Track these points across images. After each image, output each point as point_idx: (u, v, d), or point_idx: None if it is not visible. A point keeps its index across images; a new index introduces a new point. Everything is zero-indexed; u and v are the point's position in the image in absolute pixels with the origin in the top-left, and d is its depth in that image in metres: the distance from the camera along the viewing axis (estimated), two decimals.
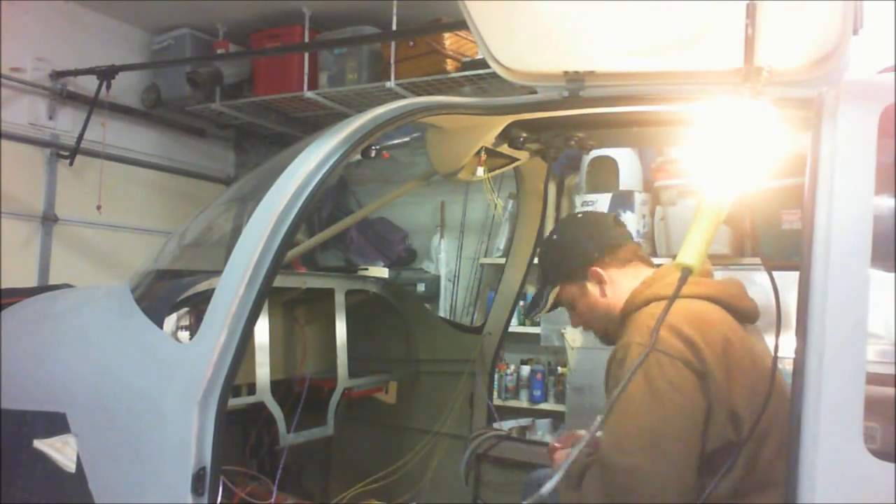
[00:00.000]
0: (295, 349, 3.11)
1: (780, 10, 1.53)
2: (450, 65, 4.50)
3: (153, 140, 5.57)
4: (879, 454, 1.36)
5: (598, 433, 1.58)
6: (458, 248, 5.58)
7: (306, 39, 4.92)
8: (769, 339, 1.87)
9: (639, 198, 4.21)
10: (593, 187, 4.39)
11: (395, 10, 4.51)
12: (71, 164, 4.90)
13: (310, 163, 1.84)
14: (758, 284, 2.31)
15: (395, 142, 3.80)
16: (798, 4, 1.52)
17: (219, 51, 5.19)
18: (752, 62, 1.57)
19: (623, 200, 4.19)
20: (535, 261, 2.24)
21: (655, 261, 3.75)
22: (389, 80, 4.64)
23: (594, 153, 3.92)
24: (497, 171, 2.68)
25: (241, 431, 2.98)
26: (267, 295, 1.76)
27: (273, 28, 5.09)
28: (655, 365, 1.65)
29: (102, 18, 5.19)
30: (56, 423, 1.97)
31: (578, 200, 4.31)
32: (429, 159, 2.56)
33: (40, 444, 2.00)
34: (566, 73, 1.89)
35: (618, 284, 1.99)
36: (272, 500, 2.50)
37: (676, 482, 1.62)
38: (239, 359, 1.71)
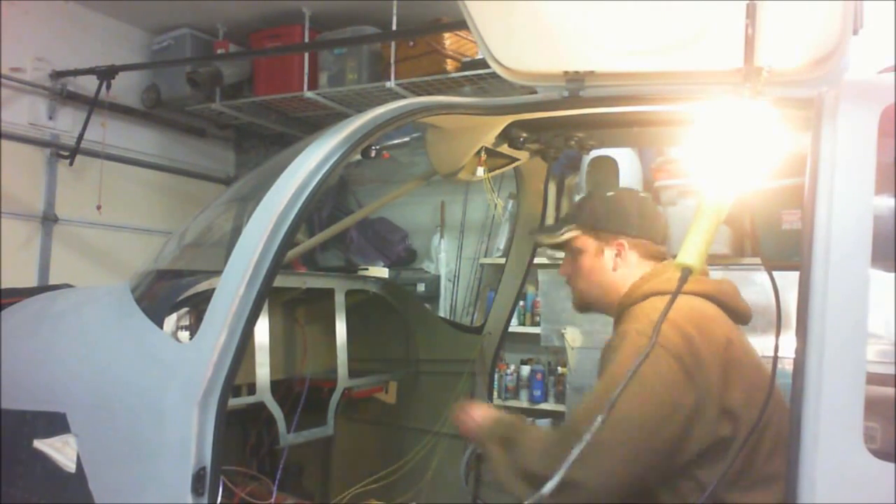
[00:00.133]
0: (295, 349, 3.10)
1: (780, 10, 1.53)
2: (450, 65, 4.50)
3: (153, 140, 5.58)
4: (879, 454, 1.36)
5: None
6: (458, 248, 5.58)
7: (306, 39, 4.92)
8: (760, 340, 1.89)
9: None
10: (593, 187, 4.38)
11: (395, 10, 4.51)
12: (71, 164, 4.91)
13: (310, 163, 1.84)
14: (758, 284, 2.32)
15: (395, 142, 3.80)
16: (798, 4, 1.52)
17: (219, 51, 5.19)
18: (752, 62, 1.57)
19: None
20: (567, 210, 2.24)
21: None
22: (389, 80, 4.64)
23: (594, 153, 3.92)
24: (497, 171, 2.68)
25: (241, 431, 2.98)
26: (267, 295, 1.76)
27: (273, 28, 5.09)
28: (650, 355, 1.66)
29: (102, 18, 5.19)
30: (56, 423, 1.97)
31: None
32: (429, 159, 2.56)
33: (40, 444, 2.00)
34: (566, 73, 1.89)
35: (629, 269, 2.00)
36: (272, 500, 2.50)
37: (630, 465, 1.62)
38: (239, 359, 1.71)
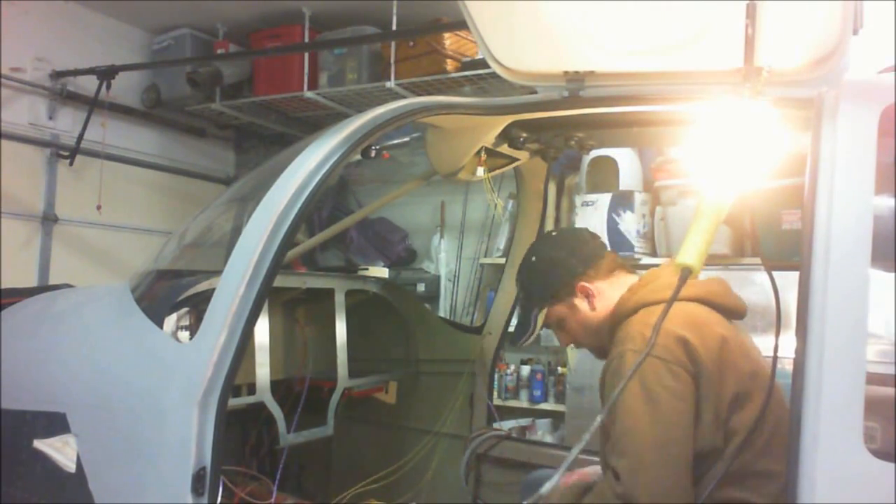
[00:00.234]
0: (295, 349, 3.11)
1: (780, 10, 1.53)
2: (450, 65, 4.50)
3: (153, 140, 5.57)
4: (879, 454, 1.36)
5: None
6: (458, 248, 5.58)
7: (306, 39, 4.92)
8: (760, 340, 1.88)
9: (639, 198, 4.21)
10: (593, 187, 4.39)
11: (395, 10, 4.51)
12: (71, 164, 4.91)
13: (310, 163, 1.84)
14: (758, 284, 2.32)
15: (395, 142, 3.80)
16: (798, 4, 1.52)
17: (219, 51, 5.19)
18: (752, 62, 1.57)
19: (623, 200, 4.19)
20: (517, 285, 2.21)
21: (655, 261, 3.74)
22: (389, 80, 4.64)
23: (594, 153, 3.92)
24: (497, 171, 2.68)
25: (241, 431, 2.98)
26: (267, 295, 1.76)
27: (273, 28, 5.09)
28: (651, 372, 1.65)
29: (102, 18, 5.19)
30: (56, 423, 1.97)
31: (578, 200, 4.31)
32: (429, 159, 2.56)
33: (40, 444, 2.00)
34: (566, 73, 1.89)
35: (606, 295, 1.98)
36: (272, 500, 2.50)
37: (678, 487, 1.62)
38: (239, 359, 1.71)
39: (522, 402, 5.01)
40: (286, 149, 2.39)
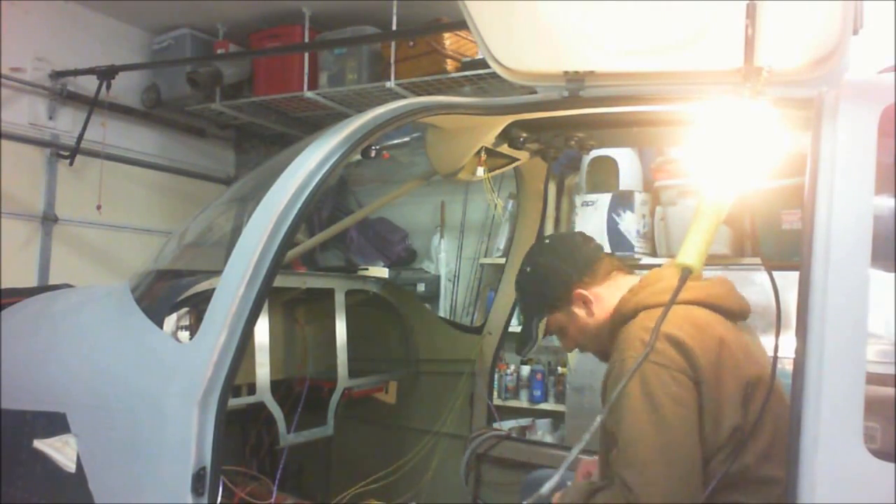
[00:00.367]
0: (295, 349, 3.11)
1: (780, 10, 1.53)
2: (450, 65, 4.50)
3: (153, 140, 5.57)
4: (879, 454, 1.36)
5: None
6: (458, 248, 5.58)
7: (306, 39, 4.92)
8: (765, 338, 1.86)
9: (639, 198, 4.21)
10: (593, 187, 4.39)
11: (395, 10, 4.51)
12: (71, 164, 4.90)
13: (310, 163, 1.84)
14: (758, 284, 2.31)
15: (395, 142, 3.81)
16: (798, 4, 1.52)
17: (219, 51, 5.19)
18: (752, 62, 1.57)
19: (623, 200, 4.18)
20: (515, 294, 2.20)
21: (655, 261, 3.73)
22: (389, 80, 4.64)
23: (594, 153, 3.92)
24: (497, 171, 2.68)
25: (241, 431, 2.99)
26: (267, 295, 1.76)
27: (273, 28, 5.08)
28: (654, 379, 1.64)
29: (102, 18, 5.19)
30: (56, 423, 1.97)
31: (578, 200, 4.31)
32: (429, 159, 2.56)
33: (40, 444, 2.00)
34: (566, 73, 1.89)
35: (604, 300, 1.96)
36: (272, 500, 2.50)
37: (687, 492, 1.61)
38: (239, 359, 1.71)
39: (522, 402, 5.01)
40: (286, 149, 2.39)
